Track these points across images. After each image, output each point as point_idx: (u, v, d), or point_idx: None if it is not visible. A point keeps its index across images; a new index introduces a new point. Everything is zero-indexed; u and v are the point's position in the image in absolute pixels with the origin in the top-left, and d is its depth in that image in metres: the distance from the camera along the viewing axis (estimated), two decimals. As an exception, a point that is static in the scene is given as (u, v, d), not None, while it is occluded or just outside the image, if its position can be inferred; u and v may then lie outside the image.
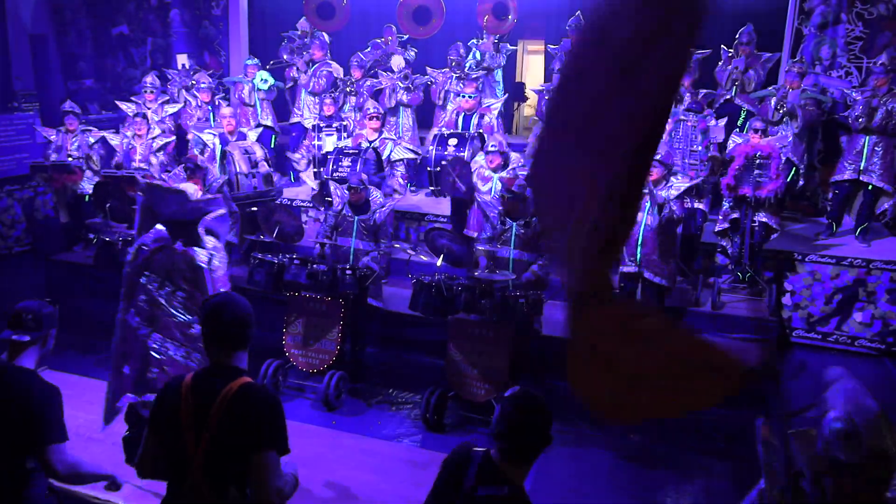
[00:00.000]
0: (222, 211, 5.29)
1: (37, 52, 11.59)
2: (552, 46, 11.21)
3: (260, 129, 9.85)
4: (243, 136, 9.15)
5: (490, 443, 2.84)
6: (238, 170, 8.41)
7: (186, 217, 5.13)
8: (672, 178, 7.02)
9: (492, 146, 7.84)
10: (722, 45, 10.31)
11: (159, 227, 5.15)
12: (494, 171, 7.75)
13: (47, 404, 3.24)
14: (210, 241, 5.09)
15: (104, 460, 3.80)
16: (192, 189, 5.35)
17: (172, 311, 4.99)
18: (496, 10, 10.86)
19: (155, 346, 5.04)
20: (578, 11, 10.49)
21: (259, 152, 8.82)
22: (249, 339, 2.93)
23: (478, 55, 10.94)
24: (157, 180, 5.49)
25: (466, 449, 2.85)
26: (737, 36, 9.93)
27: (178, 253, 5.01)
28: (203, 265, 4.97)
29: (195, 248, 5.03)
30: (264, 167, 8.61)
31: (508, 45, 11.59)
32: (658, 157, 6.90)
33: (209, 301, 2.98)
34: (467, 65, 10.79)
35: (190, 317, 4.97)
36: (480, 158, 8.03)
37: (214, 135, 9.07)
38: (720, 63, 10.08)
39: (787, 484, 2.46)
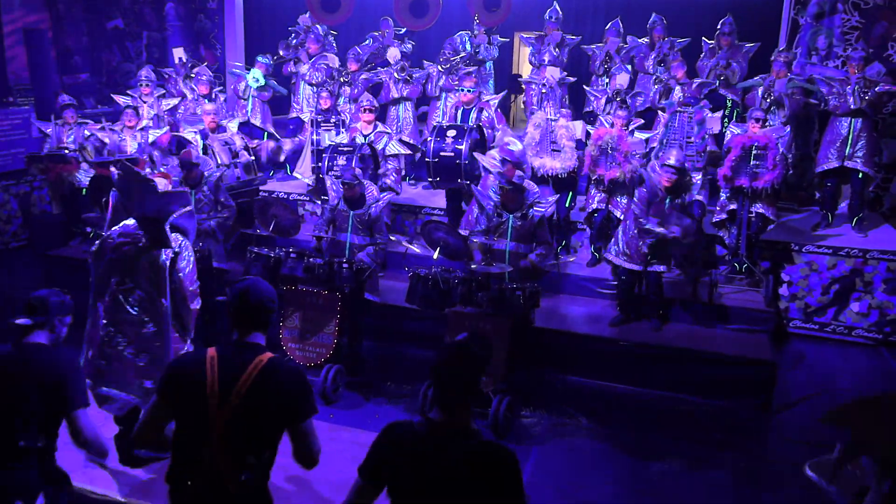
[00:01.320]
0: (189, 207, 5.21)
1: (32, 46, 11.56)
2: (525, 35, 11.22)
3: (238, 120, 9.82)
4: (224, 129, 9.17)
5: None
6: (220, 162, 8.42)
7: (149, 212, 4.95)
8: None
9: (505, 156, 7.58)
10: (703, 38, 10.31)
11: (128, 221, 5.08)
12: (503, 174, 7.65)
13: (71, 370, 3.50)
14: (177, 238, 4.99)
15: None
16: (162, 183, 5.23)
17: (128, 307, 4.90)
18: (487, 2, 10.83)
19: (107, 338, 4.98)
20: (556, 4, 10.50)
21: (238, 142, 8.85)
22: (271, 323, 3.16)
23: (468, 46, 10.90)
24: (133, 166, 5.31)
25: (405, 425, 2.78)
26: (718, 26, 9.93)
27: (143, 250, 4.93)
28: (166, 265, 4.88)
29: (161, 247, 4.92)
30: (245, 156, 8.62)
31: (499, 38, 11.57)
32: (669, 161, 6.73)
33: (238, 286, 3.12)
34: (459, 56, 10.76)
35: (145, 317, 4.87)
36: (495, 153, 7.86)
37: (195, 132, 9.07)
38: (701, 55, 10.09)
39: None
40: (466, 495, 2.52)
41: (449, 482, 2.54)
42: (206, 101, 10.46)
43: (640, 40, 10.61)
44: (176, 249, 4.91)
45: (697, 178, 7.90)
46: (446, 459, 2.56)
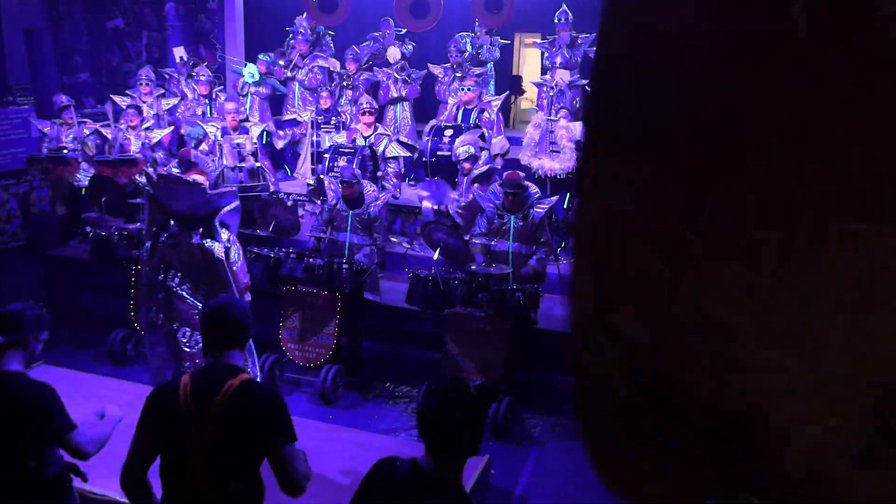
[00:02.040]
0: (235, 203, 5.28)
1: (31, 45, 11.55)
2: (538, 41, 11.19)
3: (264, 126, 9.81)
4: (246, 131, 9.15)
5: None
6: (225, 163, 8.41)
7: (198, 211, 5.07)
8: None
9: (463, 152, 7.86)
10: None
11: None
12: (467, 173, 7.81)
13: (50, 399, 3.22)
14: (224, 233, 5.07)
15: (103, 454, 3.80)
16: (202, 180, 5.31)
17: (197, 304, 4.99)
18: (489, 3, 10.82)
19: (184, 339, 5.05)
20: (564, 4, 10.51)
21: (249, 146, 8.83)
22: (247, 340, 3.06)
23: (469, 48, 10.88)
24: (165, 171, 5.44)
25: (390, 464, 2.54)
26: None
27: (195, 247, 4.99)
28: (221, 258, 4.95)
29: (212, 242, 4.99)
30: (250, 161, 8.61)
31: (500, 39, 11.55)
32: None
33: (209, 303, 3.05)
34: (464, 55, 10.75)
35: None
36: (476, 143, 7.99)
37: (217, 127, 9.04)
38: None
39: None
40: None
41: None
42: (207, 101, 10.46)
43: None
44: (227, 245, 4.99)
45: None
46: None
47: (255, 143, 9.06)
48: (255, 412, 2.80)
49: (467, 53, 10.83)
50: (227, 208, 5.12)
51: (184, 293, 5.00)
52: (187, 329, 5.08)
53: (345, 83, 10.53)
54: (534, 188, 6.93)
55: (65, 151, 9.04)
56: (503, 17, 10.89)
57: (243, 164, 8.51)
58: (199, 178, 5.36)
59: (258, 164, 8.77)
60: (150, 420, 2.88)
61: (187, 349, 5.09)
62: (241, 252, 5.15)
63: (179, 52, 11.89)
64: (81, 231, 8.86)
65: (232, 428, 2.78)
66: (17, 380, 3.23)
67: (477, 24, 10.87)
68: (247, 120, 9.87)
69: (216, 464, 2.78)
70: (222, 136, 8.81)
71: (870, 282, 1.13)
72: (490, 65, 11.00)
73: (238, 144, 8.65)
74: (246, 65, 10.62)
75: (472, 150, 7.74)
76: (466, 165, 7.78)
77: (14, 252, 10.36)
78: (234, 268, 5.00)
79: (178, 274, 5.02)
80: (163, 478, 2.90)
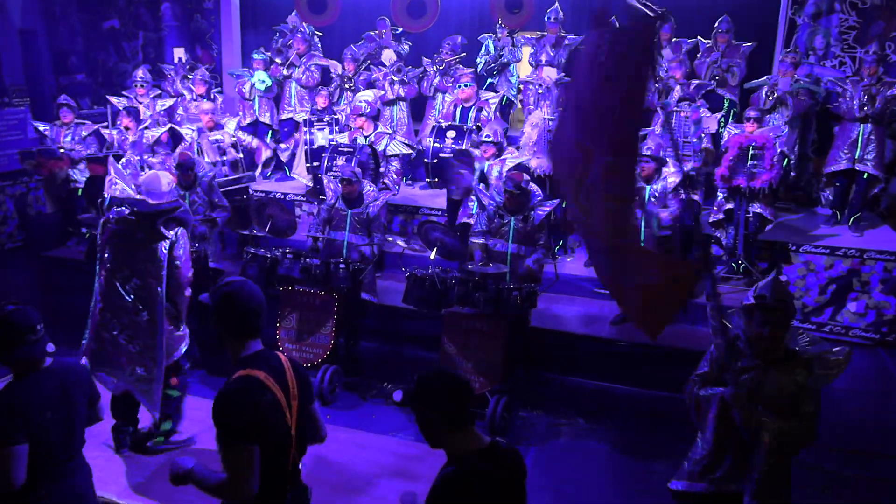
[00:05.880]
0: (185, 206, 5.35)
1: (27, 47, 11.53)
2: (527, 35, 11.16)
3: (236, 120, 9.80)
4: (221, 126, 9.17)
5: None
6: (207, 159, 8.43)
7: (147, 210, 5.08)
8: (663, 170, 7.04)
9: (486, 136, 7.82)
10: (698, 37, 10.31)
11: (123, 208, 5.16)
12: (488, 160, 7.74)
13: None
14: (176, 229, 5.08)
15: (100, 453, 3.80)
16: (169, 179, 5.27)
17: (123, 294, 4.96)
18: (508, 4, 10.76)
19: (102, 322, 5.03)
20: (557, 3, 10.48)
21: (227, 140, 8.85)
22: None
23: (492, 49, 10.79)
24: (120, 191, 5.41)
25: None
26: (715, 25, 9.94)
27: (138, 241, 4.98)
28: (164, 256, 4.95)
29: (155, 240, 4.99)
30: (232, 154, 8.63)
31: (522, 39, 11.45)
32: (648, 151, 6.91)
33: (226, 289, 3.03)
34: (481, 60, 10.69)
35: (140, 305, 4.93)
36: (476, 151, 8.01)
37: (193, 129, 9.04)
38: (699, 55, 10.08)
39: (727, 343, 3.46)
40: None
41: None
42: (205, 100, 10.45)
43: None
44: (172, 239, 4.98)
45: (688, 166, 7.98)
46: None
47: (234, 137, 9.09)
48: (304, 378, 3.13)
49: (486, 56, 10.70)
50: (181, 210, 5.18)
51: (115, 281, 4.99)
52: (108, 314, 5.04)
53: (346, 85, 10.51)
54: (536, 190, 6.91)
55: (60, 150, 9.02)
56: (524, 17, 10.83)
57: (225, 158, 8.53)
58: (166, 177, 5.28)
59: (240, 156, 8.79)
60: (256, 427, 2.81)
61: (103, 332, 5.06)
62: (187, 246, 5.15)
63: (179, 54, 11.89)
64: (78, 232, 8.85)
65: (302, 395, 3.05)
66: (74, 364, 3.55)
67: (500, 25, 10.78)
68: (256, 122, 9.91)
69: (301, 432, 3.05)
70: (199, 136, 8.83)
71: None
72: (514, 66, 10.90)
73: (216, 140, 8.68)
74: (254, 71, 10.58)
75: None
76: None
77: (11, 253, 10.35)
78: (178, 262, 5.03)
79: (116, 261, 5.00)
80: (264, 476, 2.86)
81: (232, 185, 8.41)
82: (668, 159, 7.21)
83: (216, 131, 8.92)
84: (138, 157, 8.77)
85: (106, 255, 5.04)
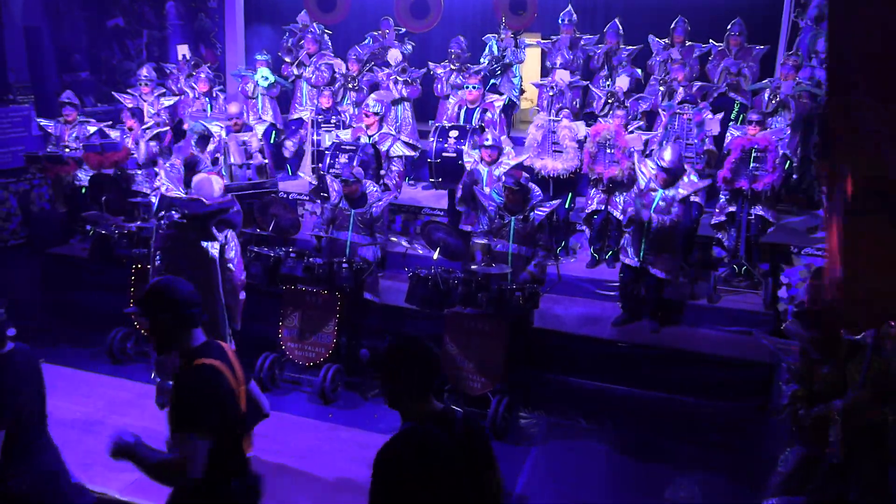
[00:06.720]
0: (237, 208, 5.38)
1: (31, 44, 11.55)
2: (543, 41, 11.15)
3: (266, 125, 9.81)
4: (250, 129, 9.14)
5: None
6: (232, 161, 8.39)
7: (200, 211, 5.14)
8: (684, 178, 6.97)
9: (486, 141, 7.81)
10: (711, 40, 10.31)
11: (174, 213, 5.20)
12: (489, 164, 7.75)
13: None
14: (225, 232, 5.13)
15: (102, 451, 3.80)
16: (219, 182, 5.35)
17: None
18: (513, 5, 10.76)
19: None
20: (570, 5, 10.48)
21: (255, 144, 8.80)
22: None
23: (495, 50, 10.77)
24: (172, 192, 5.55)
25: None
26: (728, 27, 9.95)
27: (189, 243, 5.01)
28: (215, 257, 4.98)
29: (207, 241, 5.03)
30: (258, 158, 8.60)
31: (526, 41, 11.43)
32: (663, 163, 6.81)
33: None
34: (484, 60, 10.68)
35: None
36: (475, 153, 8.01)
37: (221, 126, 9.02)
38: (710, 58, 10.09)
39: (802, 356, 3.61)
40: None
41: None
42: (207, 99, 10.47)
43: (662, 41, 10.54)
44: (222, 241, 5.02)
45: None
46: None
47: (261, 141, 9.05)
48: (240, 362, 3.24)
49: (490, 56, 10.69)
50: (232, 211, 5.22)
51: None
52: None
53: (350, 85, 10.53)
54: (536, 190, 6.93)
55: (67, 150, 9.04)
56: (528, 19, 10.82)
57: (251, 162, 8.49)
58: (217, 181, 5.36)
59: (265, 161, 8.76)
60: (217, 415, 2.89)
61: None
62: (238, 249, 5.18)
63: (183, 50, 11.89)
64: (81, 229, 8.86)
65: (246, 378, 3.23)
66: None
67: (502, 26, 10.77)
68: (260, 121, 9.90)
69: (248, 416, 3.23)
70: (227, 135, 8.81)
71: None
72: (517, 67, 10.88)
73: (244, 142, 8.65)
74: (256, 70, 10.60)
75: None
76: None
77: (14, 250, 10.37)
78: (231, 265, 5.05)
79: (170, 265, 5.05)
80: (214, 457, 2.90)
81: (253, 189, 8.36)
82: (688, 168, 7.20)
83: (245, 133, 8.87)
84: (180, 161, 8.76)
85: (157, 263, 5.07)
